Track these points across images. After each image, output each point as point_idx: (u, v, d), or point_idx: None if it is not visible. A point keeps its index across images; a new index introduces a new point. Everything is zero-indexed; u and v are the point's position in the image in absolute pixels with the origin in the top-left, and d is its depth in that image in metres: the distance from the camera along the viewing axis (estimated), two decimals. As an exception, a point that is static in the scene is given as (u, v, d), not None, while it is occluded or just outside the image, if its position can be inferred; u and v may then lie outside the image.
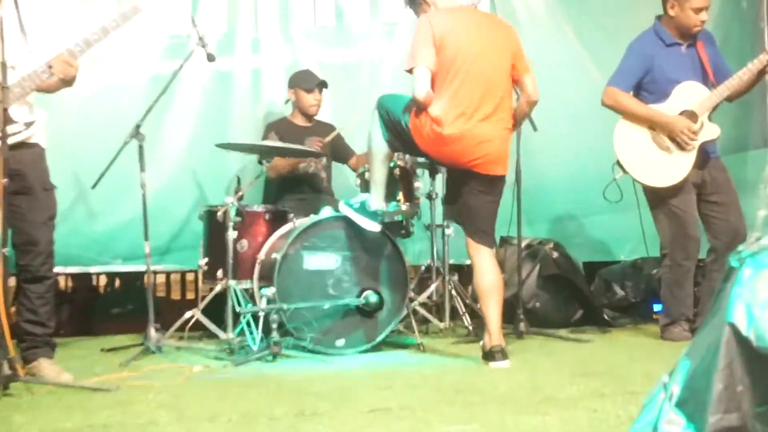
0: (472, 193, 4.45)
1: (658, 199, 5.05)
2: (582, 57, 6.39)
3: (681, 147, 4.94)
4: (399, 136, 4.49)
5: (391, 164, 4.70)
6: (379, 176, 4.63)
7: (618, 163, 5.02)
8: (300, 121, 5.87)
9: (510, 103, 4.48)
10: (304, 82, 5.80)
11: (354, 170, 5.78)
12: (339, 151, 5.95)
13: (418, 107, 4.36)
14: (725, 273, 1.88)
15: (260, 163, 5.66)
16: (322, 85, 5.82)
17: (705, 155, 5.02)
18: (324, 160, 5.83)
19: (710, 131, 4.99)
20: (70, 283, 6.84)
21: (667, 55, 4.99)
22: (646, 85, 5.02)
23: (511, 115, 4.49)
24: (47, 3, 5.63)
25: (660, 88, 4.98)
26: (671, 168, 4.96)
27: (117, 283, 7.01)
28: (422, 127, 4.35)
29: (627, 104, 5.01)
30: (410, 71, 4.37)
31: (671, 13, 4.98)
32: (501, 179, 4.50)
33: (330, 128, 5.88)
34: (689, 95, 4.96)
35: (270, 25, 6.18)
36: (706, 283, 5.13)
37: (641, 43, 5.07)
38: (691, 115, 4.94)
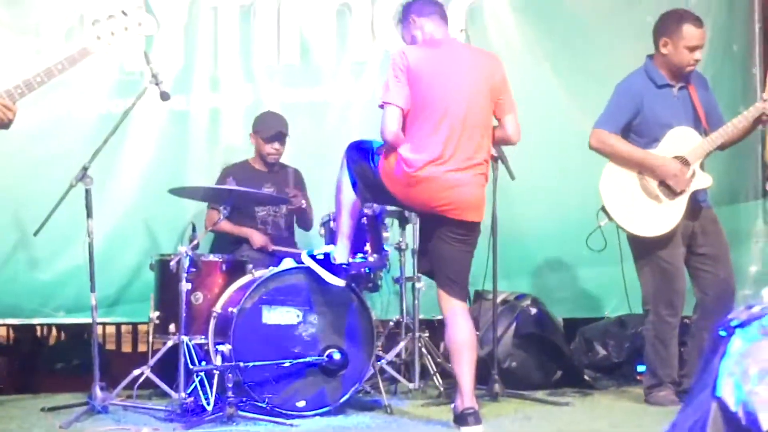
0: (444, 240, 4.42)
1: (643, 249, 5.04)
2: (560, 95, 6.41)
3: (671, 195, 4.94)
4: (369, 185, 4.48)
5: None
6: (346, 228, 4.60)
7: (603, 209, 5.01)
8: (261, 165, 5.85)
9: (488, 146, 4.47)
10: (264, 129, 5.77)
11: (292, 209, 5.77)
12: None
13: (387, 147, 4.35)
14: (712, 342, 1.85)
15: (211, 208, 5.67)
16: (281, 135, 5.77)
17: (696, 205, 5.02)
18: (283, 208, 5.79)
19: (702, 180, 5.00)
20: (11, 334, 6.75)
21: (658, 97, 5.00)
22: (636, 128, 5.02)
23: (489, 159, 4.49)
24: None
25: (650, 132, 4.98)
26: (660, 217, 4.95)
27: (62, 335, 6.92)
28: (391, 168, 4.34)
29: (615, 146, 5.00)
30: (382, 107, 4.37)
31: (663, 51, 4.99)
32: (475, 226, 4.48)
33: (295, 173, 5.89)
34: (681, 141, 4.96)
35: (230, 62, 6.17)
36: (693, 343, 5.11)
37: (630, 84, 5.07)
38: (683, 162, 4.95)
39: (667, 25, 5.02)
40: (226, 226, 5.57)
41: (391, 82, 4.35)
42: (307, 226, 5.88)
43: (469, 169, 4.36)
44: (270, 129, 5.76)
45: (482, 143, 4.42)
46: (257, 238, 5.63)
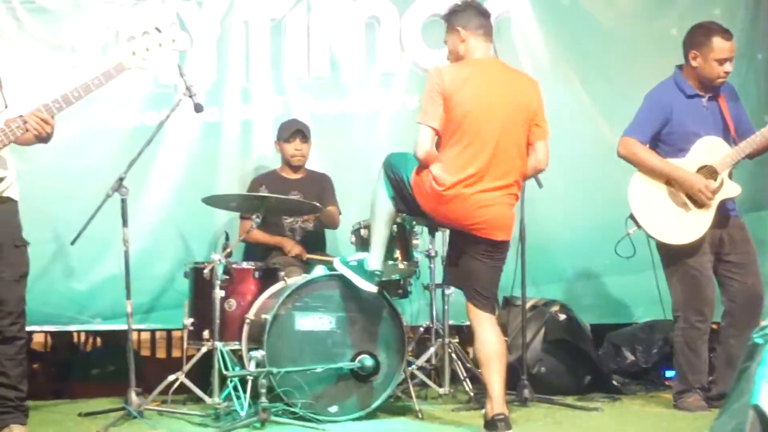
0: (473, 257, 4.41)
1: (672, 257, 5.01)
2: (589, 109, 6.39)
3: (699, 204, 4.91)
4: (402, 196, 4.48)
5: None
6: (380, 236, 4.60)
7: (632, 216, 4.99)
8: (288, 173, 5.87)
9: (522, 169, 4.43)
10: (283, 132, 5.82)
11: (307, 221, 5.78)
12: (321, 201, 5.74)
13: (420, 164, 4.35)
14: (748, 350, 1.81)
15: (243, 218, 5.69)
16: (300, 133, 5.79)
17: (724, 213, 4.99)
18: (312, 216, 5.80)
19: (730, 189, 4.96)
20: (48, 341, 6.78)
21: (687, 108, 4.97)
22: (665, 138, 5.00)
23: (521, 180, 4.47)
24: (26, 51, 5.75)
25: (679, 142, 4.95)
26: (688, 225, 4.92)
27: (98, 341, 6.94)
28: (423, 184, 4.34)
29: (643, 156, 4.98)
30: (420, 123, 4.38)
31: (693, 63, 4.96)
32: (504, 245, 4.46)
33: (321, 178, 5.91)
34: (710, 150, 4.93)
35: (261, 75, 6.19)
36: (722, 350, 5.07)
37: (660, 94, 5.05)
38: (711, 172, 4.92)
39: (696, 38, 4.99)
40: (260, 235, 5.59)
41: (426, 101, 4.36)
42: (334, 224, 5.90)
43: (500, 189, 4.34)
44: (288, 129, 5.79)
45: (515, 164, 4.38)
46: (292, 247, 5.64)
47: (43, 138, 4.04)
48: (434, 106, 4.30)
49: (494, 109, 4.32)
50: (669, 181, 4.95)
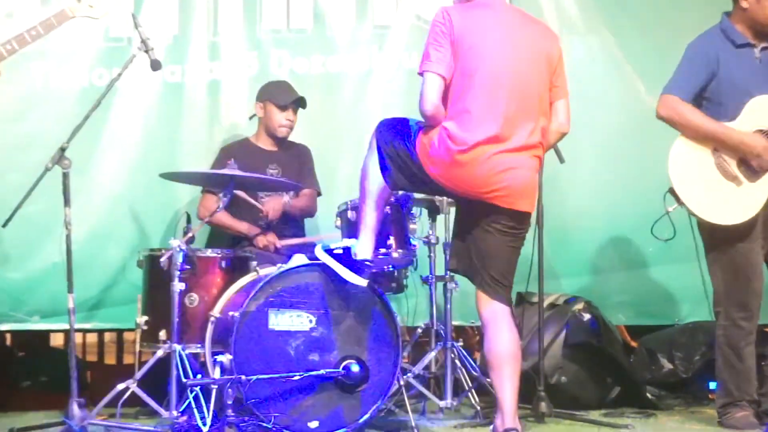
0: (487, 231, 4.38)
1: (716, 240, 4.99)
2: (624, 68, 6.42)
3: (753, 177, 4.88)
4: (405, 168, 4.44)
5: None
6: (370, 219, 4.58)
7: (672, 191, 4.96)
8: (265, 143, 5.87)
9: (546, 125, 4.45)
10: (278, 96, 5.79)
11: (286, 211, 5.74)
12: (300, 176, 5.78)
13: (426, 123, 4.34)
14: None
15: (208, 192, 5.67)
16: (299, 103, 5.80)
17: (783, 190, 4.98)
18: (292, 193, 5.78)
19: (791, 159, 4.94)
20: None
21: (737, 59, 4.96)
22: (710, 95, 4.97)
23: (542, 141, 4.46)
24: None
25: (728, 100, 4.93)
26: (738, 203, 4.90)
27: (36, 343, 6.90)
28: (432, 145, 4.30)
29: (689, 117, 4.94)
30: (420, 74, 4.35)
31: (744, 5, 4.94)
32: (527, 218, 4.46)
33: (302, 150, 5.91)
34: (765, 112, 4.91)
35: (232, 28, 6.18)
36: (774, 356, 5.07)
37: (705, 43, 5.03)
38: (768, 138, 4.92)
39: None
40: (224, 218, 5.56)
41: (430, 46, 4.33)
42: (310, 213, 5.90)
43: (525, 150, 4.34)
44: (286, 95, 5.78)
45: (539, 122, 4.39)
46: (260, 237, 5.62)
47: None
48: (441, 50, 4.29)
49: (514, 57, 4.34)
50: (717, 149, 4.92)
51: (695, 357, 5.88)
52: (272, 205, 5.63)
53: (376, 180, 4.51)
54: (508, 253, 4.44)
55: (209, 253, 5.15)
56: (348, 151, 5.97)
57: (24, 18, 5.66)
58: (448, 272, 5.28)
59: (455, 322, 5.50)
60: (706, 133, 4.91)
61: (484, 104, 4.27)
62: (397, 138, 4.45)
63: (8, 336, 6.63)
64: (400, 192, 4.82)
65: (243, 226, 5.67)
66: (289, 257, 5.02)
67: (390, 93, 6.22)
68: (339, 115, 6.24)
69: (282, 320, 4.74)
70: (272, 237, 5.63)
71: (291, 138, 5.90)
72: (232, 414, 4.43)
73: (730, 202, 4.90)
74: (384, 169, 4.48)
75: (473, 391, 5.35)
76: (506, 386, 4.31)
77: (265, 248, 5.59)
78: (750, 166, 4.88)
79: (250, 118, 5.88)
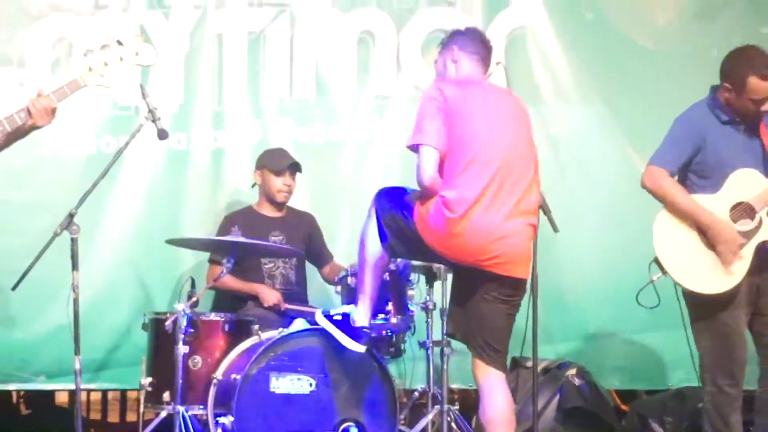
0: (485, 299, 4.40)
1: (700, 309, 4.98)
2: (618, 138, 6.46)
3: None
4: (401, 237, 4.48)
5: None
6: (368, 287, 4.61)
7: (656, 260, 4.98)
8: (267, 210, 5.90)
9: (536, 195, 4.51)
10: (273, 161, 5.83)
11: (327, 281, 5.84)
12: (313, 250, 5.94)
13: (423, 193, 4.38)
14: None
15: (212, 262, 5.72)
16: (295, 167, 5.84)
17: (763, 258, 4.96)
18: (295, 260, 5.82)
19: (769, 230, 4.98)
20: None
21: (722, 135, 4.96)
22: (696, 168, 5.00)
23: (537, 209, 4.53)
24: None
25: (712, 173, 4.95)
26: (720, 272, 4.90)
27: (42, 403, 6.93)
28: (429, 214, 4.34)
29: (670, 192, 4.97)
30: (414, 149, 4.39)
31: (726, 95, 4.97)
32: (522, 285, 4.48)
33: (305, 217, 5.95)
34: (746, 185, 4.93)
35: (236, 96, 6.26)
36: (761, 420, 5.05)
37: (691, 117, 5.05)
38: (748, 210, 4.90)
39: (732, 71, 4.94)
40: (231, 281, 5.59)
41: (425, 120, 4.38)
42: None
43: (519, 217, 4.38)
44: (281, 160, 5.82)
45: (531, 190, 4.45)
46: (268, 295, 5.64)
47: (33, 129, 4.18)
48: (435, 124, 4.34)
49: (503, 128, 4.42)
50: None
51: (684, 422, 5.81)
52: (267, 296, 5.65)
53: (374, 248, 4.54)
54: (505, 320, 4.45)
55: (213, 317, 5.18)
56: (348, 217, 6.04)
57: (35, 87, 5.75)
58: (446, 337, 5.22)
59: (454, 385, 5.50)
60: (681, 210, 4.93)
61: (475, 172, 4.31)
62: (395, 207, 4.48)
63: (14, 394, 6.66)
64: (399, 259, 4.90)
65: (252, 287, 5.68)
66: (291, 321, 5.14)
67: (390, 161, 6.25)
68: (340, 183, 6.29)
69: (283, 383, 4.81)
70: (278, 296, 5.64)
71: (293, 204, 5.93)
72: (234, 475, 4.47)
73: (713, 272, 4.89)
74: (382, 237, 4.50)
75: (469, 454, 5.31)
76: (501, 452, 4.30)
77: (271, 307, 5.60)
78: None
79: (252, 186, 5.91)
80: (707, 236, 4.92)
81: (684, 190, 4.99)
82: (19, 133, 4.27)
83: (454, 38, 4.62)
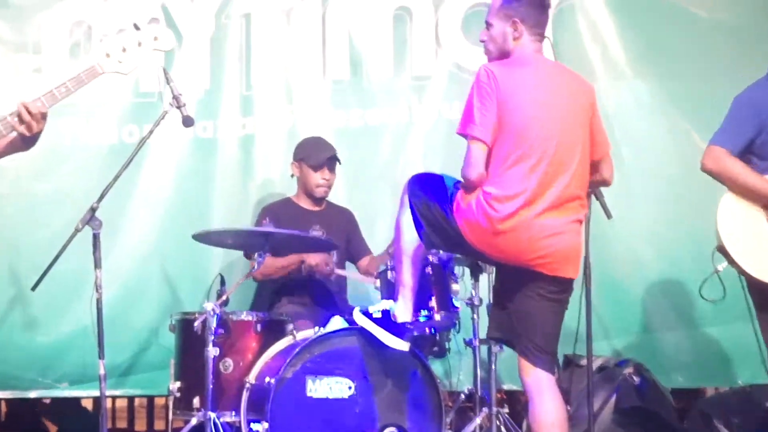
0: (531, 296, 4.34)
1: (766, 300, 4.94)
2: (672, 115, 6.41)
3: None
4: (439, 228, 4.40)
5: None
6: (408, 279, 4.56)
7: (721, 249, 4.91)
8: (306, 203, 5.89)
9: (586, 185, 4.44)
10: (311, 155, 5.81)
11: (364, 274, 5.82)
12: (352, 247, 5.92)
13: (466, 186, 4.31)
14: None
15: (247, 257, 5.68)
16: (334, 160, 5.82)
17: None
18: (335, 254, 5.77)
19: None
20: (4, 409, 6.84)
21: None
22: (758, 149, 4.94)
23: (586, 198, 4.47)
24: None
25: None
26: None
27: (66, 410, 6.97)
28: (471, 211, 4.27)
29: (735, 171, 4.91)
30: (463, 135, 4.32)
31: None
32: (571, 283, 4.43)
33: (345, 214, 5.96)
34: None
35: (266, 80, 6.26)
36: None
37: (753, 95, 5.01)
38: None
39: None
40: (271, 261, 5.46)
41: (476, 108, 4.28)
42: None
43: (566, 213, 4.31)
44: (319, 153, 5.80)
45: (582, 183, 4.39)
46: (315, 258, 5.57)
47: (29, 140, 4.11)
48: (487, 114, 4.24)
49: (559, 117, 4.33)
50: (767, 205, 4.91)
51: (754, 422, 5.76)
52: (313, 259, 5.59)
53: (410, 238, 4.47)
54: (552, 318, 4.39)
55: (244, 316, 5.15)
56: (388, 205, 5.91)
57: (52, 73, 5.83)
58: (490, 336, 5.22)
59: (504, 386, 5.53)
60: (752, 189, 4.88)
61: (524, 167, 4.24)
62: (432, 198, 4.42)
63: (36, 402, 6.68)
64: (441, 251, 4.83)
65: (291, 259, 5.61)
66: (327, 320, 5.05)
67: (430, 145, 6.27)
68: (378, 169, 6.30)
69: (320, 387, 4.78)
70: (325, 257, 5.60)
71: (332, 193, 5.92)
72: (269, 485, 4.47)
73: None
74: (418, 227, 4.44)
75: (520, 459, 5.33)
76: (552, 457, 4.30)
77: (317, 268, 5.57)
78: None
79: (292, 176, 5.87)
80: None
81: (750, 168, 4.92)
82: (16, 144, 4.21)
83: (516, 4, 4.42)
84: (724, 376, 6.32)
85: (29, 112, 4.01)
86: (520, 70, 4.37)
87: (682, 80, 6.43)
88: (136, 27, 4.29)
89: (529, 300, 4.34)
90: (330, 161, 5.80)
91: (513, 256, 4.29)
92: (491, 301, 4.61)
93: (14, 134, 4.07)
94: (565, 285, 4.38)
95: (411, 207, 4.46)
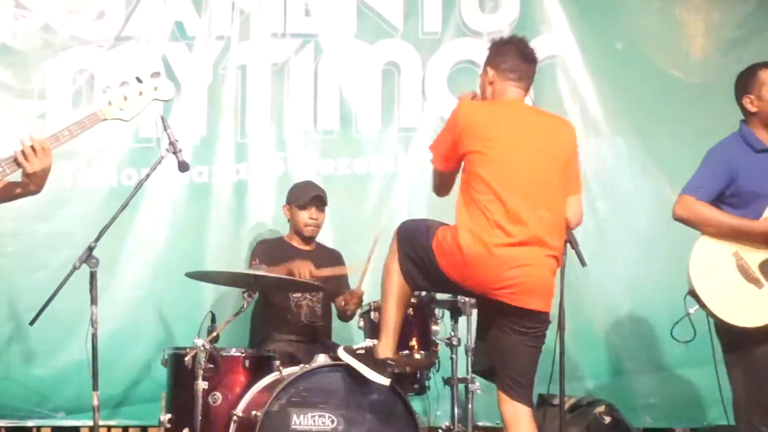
0: (504, 332, 4.39)
1: (735, 343, 4.93)
2: (650, 169, 6.50)
3: (773, 279, 4.89)
4: (424, 268, 4.50)
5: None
6: (392, 320, 4.61)
7: (692, 292, 4.93)
8: (298, 243, 5.94)
9: (562, 224, 4.49)
10: (299, 196, 5.87)
11: (340, 311, 5.85)
12: (336, 288, 5.92)
13: (442, 223, 4.44)
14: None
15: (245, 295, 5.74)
16: (319, 200, 5.87)
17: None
18: (322, 294, 5.84)
19: (813, 262, 4.93)
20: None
21: (756, 164, 4.94)
22: (729, 200, 4.96)
23: (562, 241, 4.50)
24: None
25: (747, 203, 4.92)
26: (759, 306, 4.86)
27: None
28: (445, 239, 4.37)
29: (707, 214, 4.92)
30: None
31: (752, 109, 4.97)
32: (541, 318, 4.43)
33: (334, 255, 5.99)
34: None
35: (259, 128, 6.35)
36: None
37: (723, 149, 5.05)
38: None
39: (743, 81, 5.01)
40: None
41: (438, 139, 4.53)
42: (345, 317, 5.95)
43: (538, 246, 4.35)
44: (305, 194, 5.86)
45: (557, 219, 4.44)
46: (302, 269, 5.59)
47: (34, 178, 4.20)
48: (443, 145, 4.47)
49: (529, 152, 4.39)
50: (738, 252, 4.90)
51: None
52: (300, 268, 5.61)
53: (397, 281, 4.55)
54: (526, 353, 4.40)
55: (233, 352, 5.15)
56: (373, 250, 5.98)
57: (55, 119, 5.94)
58: (471, 374, 5.26)
59: (480, 423, 5.48)
60: (727, 228, 4.89)
61: (494, 198, 4.30)
62: (418, 238, 4.50)
63: (33, 430, 6.73)
64: (423, 293, 4.93)
65: (281, 270, 5.59)
66: (312, 356, 5.16)
67: (415, 194, 6.32)
68: (364, 216, 6.35)
69: (304, 420, 4.77)
70: (309, 264, 5.64)
71: (321, 237, 5.97)
72: None
73: (751, 305, 4.83)
74: (405, 269, 4.53)
75: (495, 494, 5.32)
76: (527, 489, 4.29)
77: (300, 274, 5.56)
78: None
79: (288, 221, 5.92)
80: (757, 243, 4.88)
81: (721, 210, 4.95)
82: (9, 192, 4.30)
83: (491, 55, 4.60)
84: (692, 417, 6.33)
85: (30, 141, 4.11)
86: (495, 107, 4.49)
87: (658, 137, 6.50)
88: (139, 80, 4.42)
89: (504, 334, 4.38)
90: (316, 200, 5.83)
91: (480, 283, 4.33)
92: (475, 338, 4.65)
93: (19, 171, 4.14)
94: (536, 319, 4.38)
95: (399, 250, 4.55)
